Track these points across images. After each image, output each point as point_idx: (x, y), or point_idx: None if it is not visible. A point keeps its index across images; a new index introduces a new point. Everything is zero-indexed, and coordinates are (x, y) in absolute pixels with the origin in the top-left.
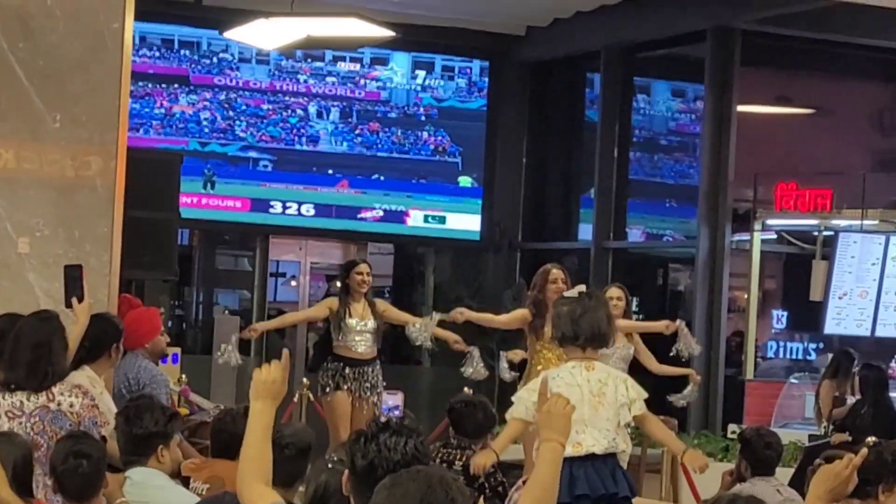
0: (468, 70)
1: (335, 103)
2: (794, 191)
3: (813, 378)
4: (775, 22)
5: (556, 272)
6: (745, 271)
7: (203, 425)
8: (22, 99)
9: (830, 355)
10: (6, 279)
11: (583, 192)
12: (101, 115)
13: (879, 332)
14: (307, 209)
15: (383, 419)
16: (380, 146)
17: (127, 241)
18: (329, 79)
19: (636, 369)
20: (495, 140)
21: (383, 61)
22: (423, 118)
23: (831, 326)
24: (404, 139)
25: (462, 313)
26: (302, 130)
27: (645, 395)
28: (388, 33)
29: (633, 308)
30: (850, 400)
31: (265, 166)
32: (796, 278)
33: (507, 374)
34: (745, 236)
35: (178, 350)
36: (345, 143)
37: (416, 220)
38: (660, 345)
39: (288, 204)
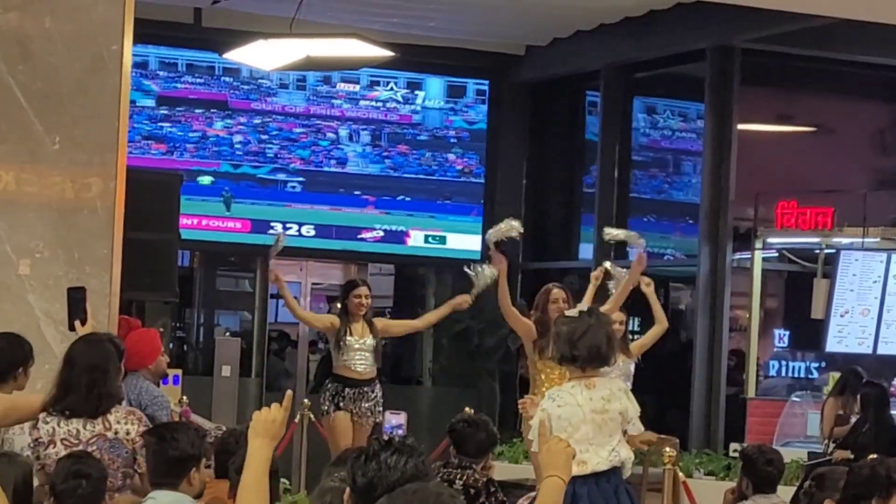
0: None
1: (366, 126)
2: (795, 209)
3: (815, 396)
4: (775, 40)
5: (557, 292)
6: (746, 290)
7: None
8: (21, 121)
9: (832, 373)
10: (6, 301)
11: (583, 211)
12: (100, 137)
13: (881, 350)
14: (307, 230)
15: (385, 438)
16: (407, 167)
17: (127, 263)
18: (362, 103)
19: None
20: (495, 159)
21: (417, 85)
22: (453, 140)
23: (833, 344)
24: (432, 161)
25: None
26: (331, 153)
27: (639, 410)
28: (387, 53)
29: (635, 328)
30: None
31: (293, 188)
32: (798, 296)
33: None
34: (746, 255)
35: (179, 371)
36: (372, 166)
37: (416, 240)
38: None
39: (288, 225)
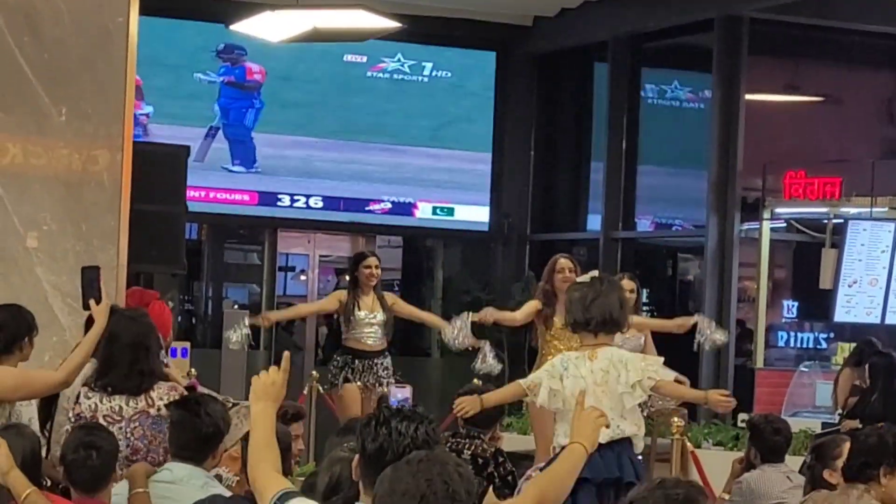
0: None
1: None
2: (803, 179)
3: (823, 367)
4: (783, 10)
5: (563, 262)
6: (754, 260)
7: None
8: (28, 94)
9: (841, 344)
10: (14, 274)
11: (591, 182)
12: (107, 109)
13: (889, 320)
14: (315, 202)
15: (395, 405)
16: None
17: (134, 235)
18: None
19: None
20: (503, 131)
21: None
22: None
23: (841, 315)
24: (440, 132)
25: (491, 314)
26: None
27: (652, 368)
28: (394, 25)
29: (644, 299)
30: None
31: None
32: (806, 267)
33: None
34: (754, 225)
35: (187, 344)
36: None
37: (424, 212)
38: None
39: (296, 197)
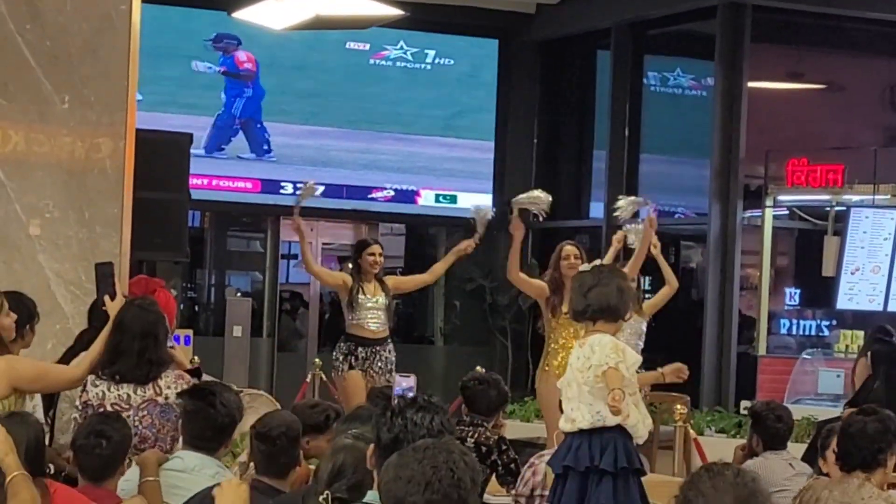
0: None
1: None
2: (806, 167)
3: (826, 354)
4: None
5: (569, 248)
6: (756, 248)
7: None
8: (30, 81)
9: (843, 331)
10: (17, 261)
11: (594, 170)
12: (109, 97)
13: (892, 307)
14: (317, 189)
15: (410, 395)
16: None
17: (137, 223)
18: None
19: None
20: (506, 119)
21: (427, 44)
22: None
23: (843, 302)
24: (443, 120)
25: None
26: None
27: (614, 357)
28: (397, 12)
29: (646, 286)
30: None
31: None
32: (808, 254)
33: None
34: (756, 213)
35: (190, 332)
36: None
37: (427, 199)
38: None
39: (299, 184)
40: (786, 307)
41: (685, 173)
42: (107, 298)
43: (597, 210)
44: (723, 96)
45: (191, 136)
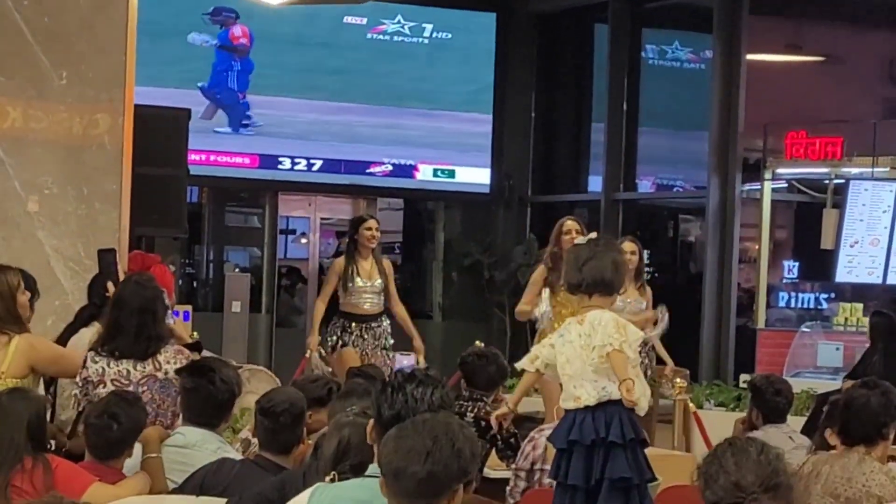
0: None
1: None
2: (805, 139)
3: (825, 327)
4: None
5: (569, 223)
6: (755, 221)
7: None
8: (28, 57)
9: (843, 304)
10: (16, 238)
11: (592, 143)
12: (107, 73)
13: (891, 280)
14: (315, 164)
15: (408, 370)
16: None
17: (136, 199)
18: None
19: None
20: (504, 93)
21: (424, 18)
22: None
23: (843, 275)
24: (441, 94)
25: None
26: None
27: (618, 338)
28: None
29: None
30: None
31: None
32: (807, 227)
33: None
34: (755, 186)
35: (189, 308)
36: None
37: (425, 174)
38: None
39: (297, 160)
40: (785, 280)
41: (684, 147)
42: (110, 285)
43: (595, 184)
44: (721, 69)
45: (189, 111)
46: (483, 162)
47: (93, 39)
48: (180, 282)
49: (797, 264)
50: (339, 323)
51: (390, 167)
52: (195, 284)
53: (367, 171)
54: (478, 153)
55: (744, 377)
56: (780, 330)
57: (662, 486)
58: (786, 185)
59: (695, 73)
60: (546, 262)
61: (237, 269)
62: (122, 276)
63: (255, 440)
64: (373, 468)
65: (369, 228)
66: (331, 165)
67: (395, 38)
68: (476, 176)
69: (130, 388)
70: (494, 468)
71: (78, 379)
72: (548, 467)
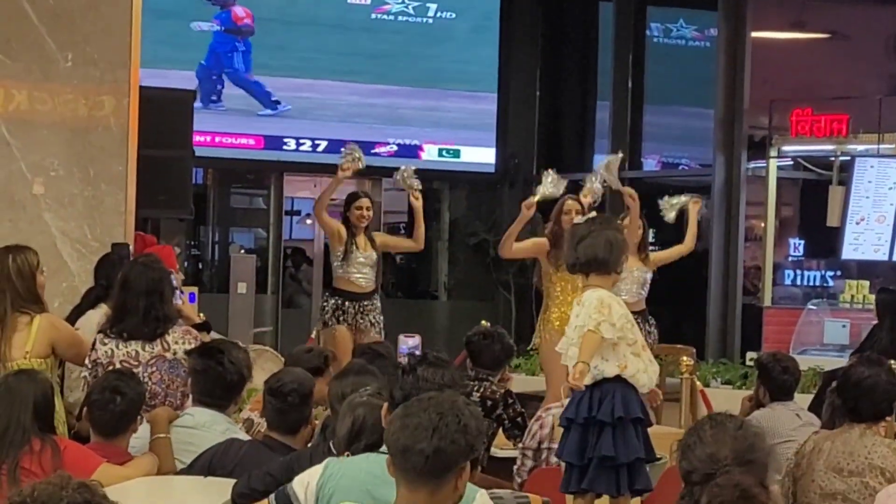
0: None
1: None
2: (810, 117)
3: (831, 304)
4: None
5: (570, 203)
6: (761, 199)
7: None
8: (33, 39)
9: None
10: (23, 220)
11: (597, 122)
12: (112, 54)
13: None
14: (320, 145)
15: (419, 353)
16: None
17: (141, 180)
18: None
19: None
20: (509, 71)
21: None
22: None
23: (849, 252)
24: (446, 74)
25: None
26: None
27: (594, 320)
28: None
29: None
30: None
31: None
32: (813, 205)
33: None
34: (761, 163)
35: (195, 289)
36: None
37: (430, 154)
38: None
39: (301, 141)
40: (791, 258)
41: (689, 125)
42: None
43: (600, 162)
44: (726, 47)
45: (194, 92)
46: (488, 141)
47: (98, 21)
48: (186, 263)
49: (803, 242)
50: (333, 301)
51: (395, 147)
52: (201, 266)
53: (372, 151)
54: (483, 133)
55: (750, 355)
56: (787, 307)
57: (669, 463)
58: (791, 162)
59: (700, 51)
60: (548, 238)
61: (243, 251)
62: None
63: (258, 419)
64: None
65: (359, 207)
66: (336, 146)
67: (400, 17)
68: (481, 155)
69: (139, 370)
70: (501, 447)
71: (87, 361)
72: (555, 446)
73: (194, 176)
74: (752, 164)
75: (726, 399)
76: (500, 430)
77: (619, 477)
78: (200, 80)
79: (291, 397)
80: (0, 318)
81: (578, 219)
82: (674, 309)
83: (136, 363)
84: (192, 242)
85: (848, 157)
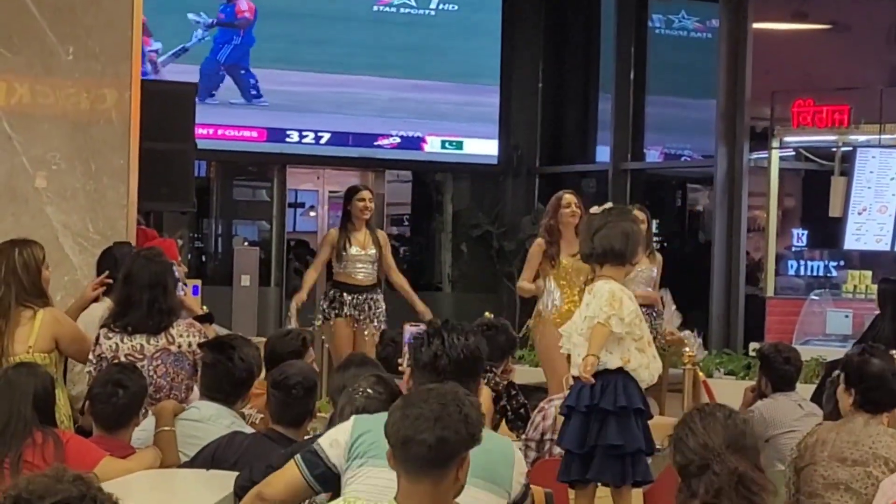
0: None
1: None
2: (812, 107)
3: (834, 294)
4: None
5: (568, 197)
6: (763, 190)
7: None
8: (35, 33)
9: (851, 271)
10: (25, 214)
11: (599, 113)
12: (114, 47)
13: None
14: (323, 137)
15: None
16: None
17: (143, 173)
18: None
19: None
20: (511, 63)
21: None
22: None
23: (851, 242)
24: (448, 66)
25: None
26: None
27: (605, 312)
28: None
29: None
30: None
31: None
32: (815, 195)
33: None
34: (763, 154)
35: (198, 282)
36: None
37: (433, 146)
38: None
39: (304, 133)
40: (793, 248)
41: (691, 116)
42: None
43: (603, 154)
44: (728, 38)
45: (196, 85)
46: (491, 133)
47: (99, 14)
48: (189, 256)
49: (806, 232)
50: (332, 294)
51: (398, 139)
52: (204, 258)
53: (375, 143)
54: (485, 124)
55: (753, 345)
56: (790, 298)
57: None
58: (793, 153)
59: (702, 42)
60: (543, 236)
61: (246, 243)
62: None
63: (253, 413)
64: None
65: (362, 199)
66: (339, 138)
67: (402, 10)
68: (484, 147)
69: (144, 363)
70: None
71: (91, 356)
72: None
73: (198, 169)
74: (754, 155)
75: (729, 390)
76: (503, 422)
77: (623, 467)
78: (204, 75)
79: (296, 390)
80: (4, 312)
81: (596, 209)
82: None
83: (140, 357)
84: (196, 235)
85: (850, 148)
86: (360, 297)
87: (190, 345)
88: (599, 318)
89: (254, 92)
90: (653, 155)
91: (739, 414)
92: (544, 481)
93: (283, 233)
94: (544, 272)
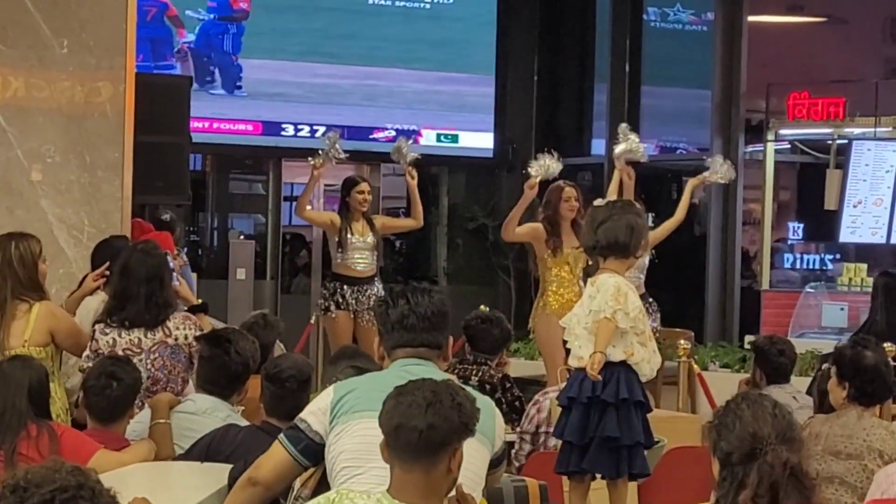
0: None
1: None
2: (807, 100)
3: (829, 287)
4: None
5: (569, 190)
6: (759, 183)
7: None
8: (29, 26)
9: (847, 264)
10: (20, 207)
11: (595, 106)
12: (108, 41)
13: (895, 240)
14: (318, 131)
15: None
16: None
17: (138, 167)
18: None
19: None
20: (506, 55)
21: None
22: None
23: (846, 235)
24: (444, 58)
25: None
26: None
27: (611, 307)
28: None
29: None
30: None
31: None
32: (810, 188)
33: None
34: (758, 147)
35: (193, 275)
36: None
37: (428, 139)
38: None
39: (300, 126)
40: (789, 241)
41: (686, 109)
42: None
43: (598, 147)
44: (723, 31)
45: (191, 78)
46: (486, 126)
47: (94, 7)
48: (185, 249)
49: (801, 225)
50: (332, 286)
51: (393, 133)
52: (199, 252)
53: (371, 136)
54: (481, 117)
55: (749, 338)
56: (785, 291)
57: (668, 447)
58: (789, 146)
59: (697, 34)
60: (544, 225)
61: (241, 237)
62: None
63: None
64: None
65: (361, 192)
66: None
67: (398, 2)
68: (479, 140)
69: (142, 357)
70: None
71: (88, 352)
72: (552, 429)
73: (193, 162)
74: (749, 148)
75: (724, 382)
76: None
77: (619, 459)
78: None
79: (289, 383)
80: None
81: (600, 201)
82: (672, 292)
83: (138, 350)
84: (191, 228)
85: (845, 141)
86: (359, 288)
87: (186, 337)
88: (605, 312)
89: (237, 84)
90: (648, 148)
91: (784, 406)
92: (540, 474)
93: (278, 226)
94: (543, 262)
